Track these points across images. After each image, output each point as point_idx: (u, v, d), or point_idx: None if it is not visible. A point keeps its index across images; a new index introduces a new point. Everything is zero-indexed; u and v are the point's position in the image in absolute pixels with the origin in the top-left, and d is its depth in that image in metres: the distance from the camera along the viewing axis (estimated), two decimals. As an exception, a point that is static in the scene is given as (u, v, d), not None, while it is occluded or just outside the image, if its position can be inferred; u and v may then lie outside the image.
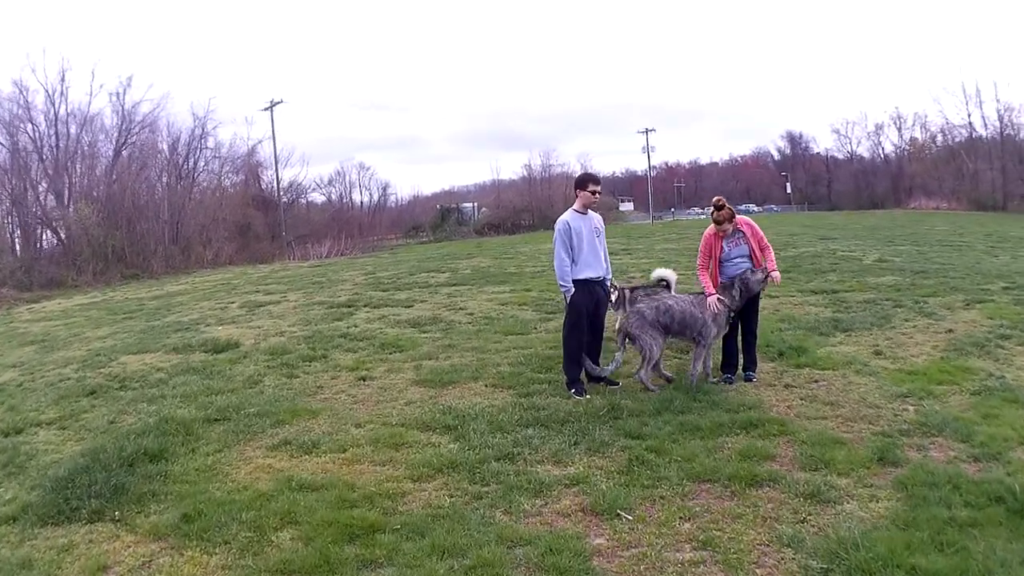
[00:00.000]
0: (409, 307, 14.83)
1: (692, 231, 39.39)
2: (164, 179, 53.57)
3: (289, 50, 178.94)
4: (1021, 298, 13.06)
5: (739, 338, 9.02)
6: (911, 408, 7.46)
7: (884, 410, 7.47)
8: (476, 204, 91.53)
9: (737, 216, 8.73)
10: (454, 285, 18.10)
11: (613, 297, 9.54)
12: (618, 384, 8.78)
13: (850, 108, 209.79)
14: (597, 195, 8.73)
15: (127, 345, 12.62)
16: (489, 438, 7.12)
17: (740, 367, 8.97)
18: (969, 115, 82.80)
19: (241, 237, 53.45)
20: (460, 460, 6.63)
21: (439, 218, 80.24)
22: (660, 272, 11.21)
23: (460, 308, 14.45)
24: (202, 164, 59.52)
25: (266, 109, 61.01)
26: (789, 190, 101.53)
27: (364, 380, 9.47)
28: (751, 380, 8.81)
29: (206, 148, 59.29)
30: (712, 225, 8.72)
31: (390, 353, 10.79)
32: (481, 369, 9.76)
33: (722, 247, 8.74)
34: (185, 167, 56.69)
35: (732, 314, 8.52)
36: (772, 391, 8.41)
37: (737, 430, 7.12)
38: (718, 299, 8.41)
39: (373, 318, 13.57)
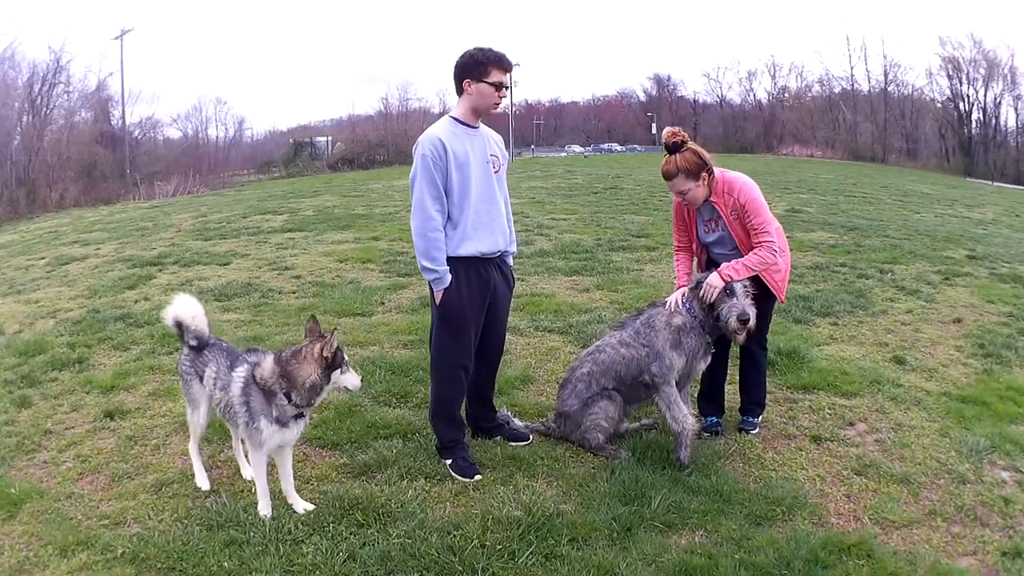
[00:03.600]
0: (226, 264, 12.58)
1: (555, 168, 40.48)
2: (24, 119, 50.71)
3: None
4: (998, 271, 12.05)
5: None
6: (1007, 477, 5.04)
7: (977, 486, 4.90)
8: (331, 139, 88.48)
9: (717, 173, 5.16)
10: (289, 231, 16.32)
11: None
12: (527, 439, 5.40)
13: (723, 56, 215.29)
14: (503, 94, 4.91)
15: None
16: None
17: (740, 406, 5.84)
18: (852, 68, 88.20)
19: (88, 177, 50.00)
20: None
21: (292, 153, 77.99)
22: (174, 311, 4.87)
23: (287, 267, 12.03)
24: (56, 101, 56.19)
25: (116, 38, 59.40)
26: (654, 131, 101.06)
27: (112, 418, 6.06)
28: (751, 430, 5.62)
29: (59, 83, 55.95)
30: None
31: (169, 353, 7.64)
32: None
33: (700, 223, 5.48)
34: (39, 104, 53.22)
35: (708, 339, 5.18)
36: (798, 453, 5.34)
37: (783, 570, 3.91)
38: (681, 298, 5.22)
39: (175, 284, 11.02)
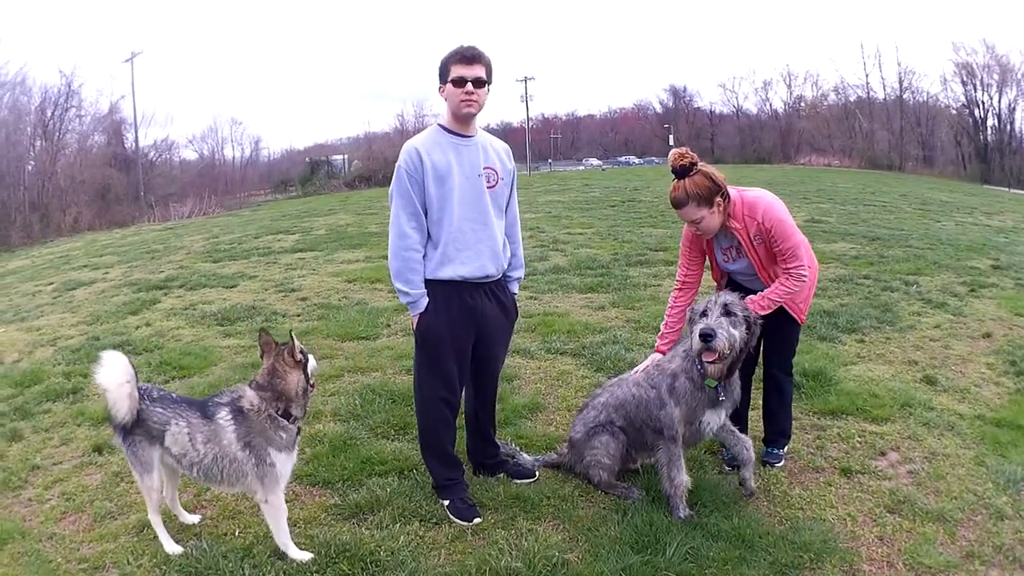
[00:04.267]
0: (232, 287, 12.36)
1: (572, 182, 40.48)
2: (37, 144, 50.33)
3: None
4: (1023, 281, 11.72)
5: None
6: None
7: (1015, 522, 4.53)
8: (347, 156, 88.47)
9: (734, 195, 4.64)
10: (300, 251, 16.22)
11: None
12: (533, 476, 5.01)
13: (738, 66, 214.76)
14: (472, 91, 4.37)
15: None
16: None
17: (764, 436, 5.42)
18: (867, 75, 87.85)
19: (101, 200, 49.77)
20: None
21: (308, 172, 77.54)
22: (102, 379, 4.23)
23: (294, 289, 11.84)
24: (69, 125, 56.04)
25: (127, 61, 58.21)
26: (671, 143, 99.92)
27: (100, 452, 5.81)
28: (776, 463, 5.20)
29: (71, 107, 55.75)
30: None
31: (167, 381, 7.41)
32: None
33: (718, 251, 5.01)
34: (51, 129, 52.83)
35: (719, 387, 4.51)
36: (827, 489, 4.93)
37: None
38: (652, 367, 4.81)
39: (178, 309, 10.87)
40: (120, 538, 4.36)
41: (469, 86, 4.32)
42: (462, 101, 4.34)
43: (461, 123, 4.45)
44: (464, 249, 4.44)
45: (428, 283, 4.44)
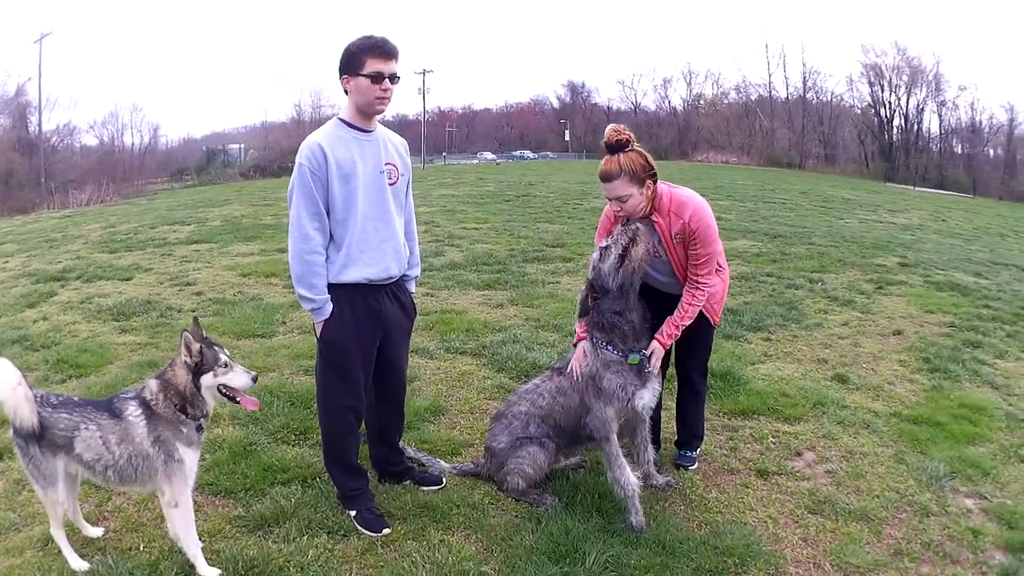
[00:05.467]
0: (128, 279, 12.08)
1: (467, 175, 40.86)
2: None
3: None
4: (933, 279, 12.21)
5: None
6: (971, 505, 4.86)
7: (942, 518, 4.67)
8: (244, 146, 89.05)
9: (664, 188, 4.58)
10: (195, 243, 15.93)
11: None
12: (440, 483, 4.89)
13: (639, 63, 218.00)
14: (389, 87, 4.18)
15: None
16: None
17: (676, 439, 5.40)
18: (771, 75, 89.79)
19: (4, 185, 49.71)
20: None
21: (204, 161, 78.01)
22: None
23: (189, 283, 11.55)
24: None
25: (36, 42, 58.77)
26: (568, 138, 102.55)
27: (1, 458, 5.44)
28: (689, 465, 5.18)
29: None
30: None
31: (64, 380, 7.08)
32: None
33: None
34: None
35: (642, 359, 4.51)
36: (744, 491, 4.92)
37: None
38: (585, 350, 4.61)
39: (75, 302, 10.55)
40: (26, 552, 4.11)
41: (386, 82, 4.13)
42: (377, 98, 4.16)
43: (366, 118, 4.28)
44: (368, 250, 4.29)
45: (331, 287, 4.28)
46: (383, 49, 4.11)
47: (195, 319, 3.92)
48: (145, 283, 11.71)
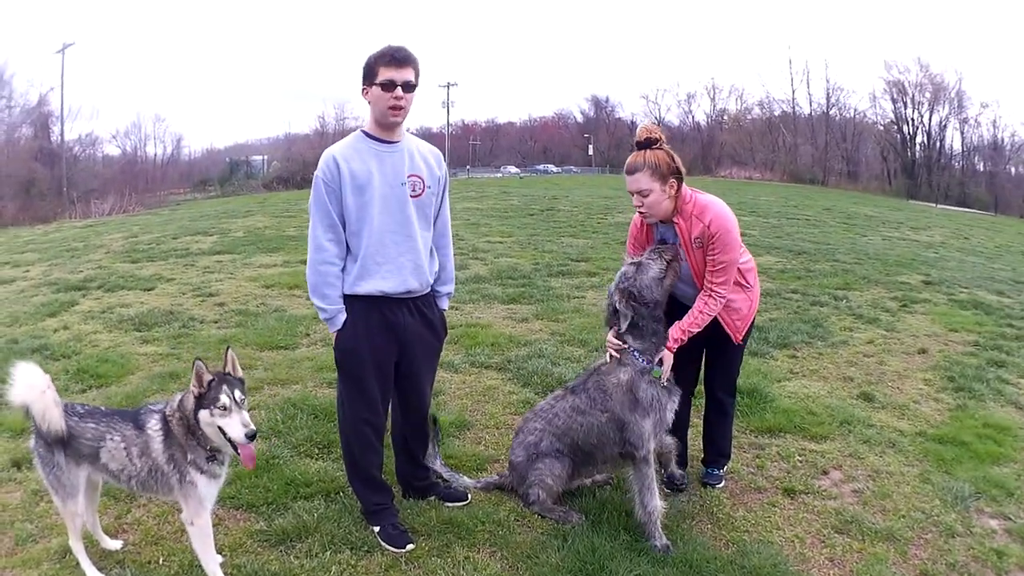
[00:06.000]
0: (150, 290, 12.13)
1: (490, 189, 40.28)
2: None
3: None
4: (957, 297, 12.11)
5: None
6: (996, 526, 4.82)
7: (967, 538, 4.65)
8: (267, 157, 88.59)
9: (688, 192, 4.60)
10: (218, 253, 15.92)
11: None
12: (465, 499, 4.87)
13: (663, 78, 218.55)
14: (401, 96, 4.16)
15: None
16: None
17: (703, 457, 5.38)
18: (794, 91, 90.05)
19: (26, 194, 48.87)
20: None
21: (227, 172, 77.96)
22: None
23: (212, 293, 11.57)
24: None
25: (58, 52, 57.83)
26: (591, 152, 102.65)
27: (19, 468, 5.41)
28: (716, 484, 5.17)
29: (1, 98, 55.96)
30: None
31: (84, 390, 7.05)
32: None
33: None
34: None
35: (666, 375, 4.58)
36: (771, 510, 4.91)
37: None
38: (613, 347, 4.64)
39: (96, 312, 10.56)
40: (43, 564, 4.10)
41: (398, 90, 4.12)
42: (390, 108, 4.14)
43: (386, 128, 4.27)
44: (385, 263, 4.27)
45: (346, 298, 4.29)
46: (394, 57, 4.10)
47: (228, 347, 3.82)
48: (167, 293, 11.74)
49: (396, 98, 4.10)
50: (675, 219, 4.51)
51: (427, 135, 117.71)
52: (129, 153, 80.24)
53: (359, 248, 4.21)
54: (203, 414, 3.59)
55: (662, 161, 4.37)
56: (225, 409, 3.56)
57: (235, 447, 3.62)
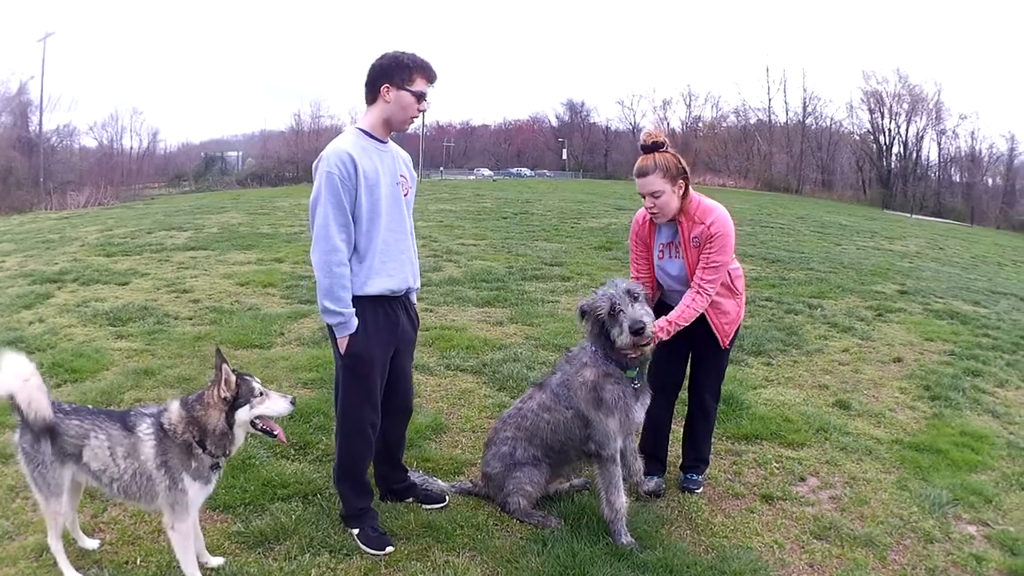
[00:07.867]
0: (124, 284, 12.11)
1: (463, 191, 40.08)
2: None
3: None
4: (932, 307, 12.31)
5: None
6: (974, 532, 4.91)
7: (945, 544, 4.73)
8: (241, 154, 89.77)
9: (694, 195, 4.71)
10: (192, 249, 15.96)
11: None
12: (443, 501, 4.85)
13: (639, 84, 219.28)
14: (424, 107, 4.28)
15: None
16: None
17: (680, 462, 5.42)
18: (770, 99, 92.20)
19: (3, 184, 49.71)
20: None
21: (202, 167, 79.05)
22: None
23: (185, 290, 11.57)
24: None
25: (40, 41, 58.02)
26: (565, 156, 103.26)
27: None
28: (695, 489, 5.19)
29: None
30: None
31: (59, 385, 6.96)
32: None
33: (656, 246, 4.99)
34: None
35: (637, 374, 4.56)
36: (750, 516, 4.92)
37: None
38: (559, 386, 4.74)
39: (71, 305, 10.55)
40: (19, 562, 4.04)
41: (424, 104, 4.24)
42: (413, 116, 4.27)
43: (387, 131, 4.31)
44: (389, 261, 4.27)
45: (355, 300, 4.20)
46: (432, 72, 4.26)
47: (218, 351, 3.77)
48: (142, 288, 11.69)
49: (420, 110, 4.23)
50: (679, 218, 4.66)
51: (401, 136, 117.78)
52: (106, 145, 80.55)
53: (369, 247, 4.18)
54: (241, 412, 3.65)
55: (671, 163, 4.54)
56: (262, 395, 3.68)
57: (267, 432, 3.77)
